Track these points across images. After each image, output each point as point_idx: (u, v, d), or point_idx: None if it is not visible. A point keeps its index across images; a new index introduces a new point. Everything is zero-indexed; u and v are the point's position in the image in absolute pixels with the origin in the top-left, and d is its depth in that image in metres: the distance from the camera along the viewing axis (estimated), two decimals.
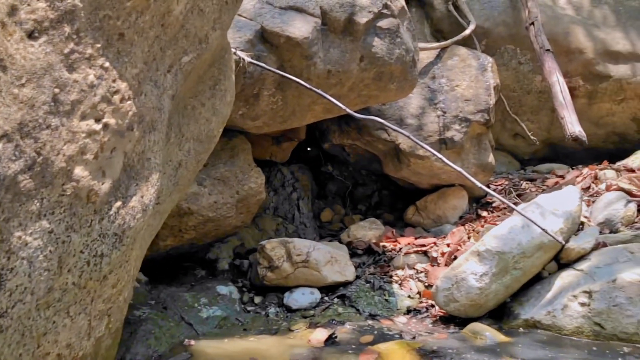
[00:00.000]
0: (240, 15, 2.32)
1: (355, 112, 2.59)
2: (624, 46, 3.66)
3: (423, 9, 3.87)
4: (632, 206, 2.51)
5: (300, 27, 2.29)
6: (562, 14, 3.77)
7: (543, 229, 1.89)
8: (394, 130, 1.94)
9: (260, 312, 2.26)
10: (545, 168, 3.68)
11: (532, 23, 3.34)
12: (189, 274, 2.46)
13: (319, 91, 2.00)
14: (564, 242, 2.03)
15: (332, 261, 2.41)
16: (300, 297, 2.32)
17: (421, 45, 3.31)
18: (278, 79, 2.24)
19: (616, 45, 3.66)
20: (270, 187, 3.09)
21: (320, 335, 1.99)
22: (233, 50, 2.02)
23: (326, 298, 2.36)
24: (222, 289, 2.30)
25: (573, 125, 2.71)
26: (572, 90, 3.74)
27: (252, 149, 2.63)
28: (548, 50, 3.15)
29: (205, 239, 2.45)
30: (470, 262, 2.16)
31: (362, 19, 2.36)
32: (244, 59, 2.04)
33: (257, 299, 2.37)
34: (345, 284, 2.43)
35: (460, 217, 3.13)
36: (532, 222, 1.89)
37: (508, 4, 3.73)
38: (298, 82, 2.01)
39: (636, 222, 2.46)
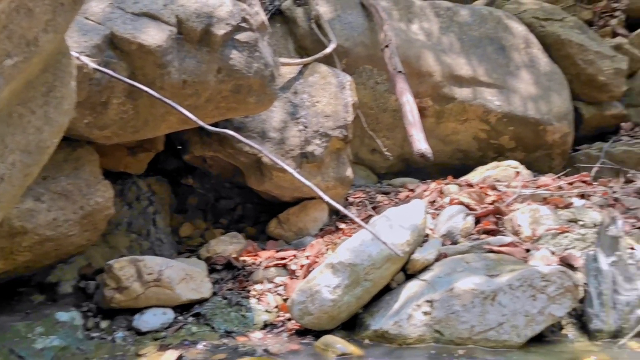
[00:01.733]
0: (87, 18, 2.17)
1: (214, 124, 2.53)
2: (466, 71, 4.02)
3: (287, 25, 3.93)
4: (470, 219, 2.75)
5: (154, 35, 2.20)
6: (414, 38, 4.04)
7: (383, 242, 1.99)
8: (246, 143, 1.93)
9: (106, 338, 2.11)
10: (399, 182, 3.90)
11: (387, 46, 3.55)
12: (24, 300, 2.22)
13: (168, 101, 1.93)
14: (401, 255, 2.15)
15: (187, 278, 2.32)
16: (152, 319, 2.21)
17: (284, 60, 3.36)
18: (129, 87, 2.12)
19: (460, 70, 4.01)
20: (124, 200, 2.92)
21: (169, 357, 1.90)
22: (76, 55, 1.87)
23: (180, 317, 2.26)
24: (63, 316, 2.11)
25: (420, 143, 2.90)
26: (422, 110, 4.02)
27: (103, 159, 2.46)
28: (400, 72, 3.36)
29: (44, 261, 2.23)
30: (324, 274, 2.21)
31: (220, 30, 2.33)
32: (87, 65, 1.90)
33: (104, 324, 2.20)
34: (201, 302, 2.36)
35: (321, 229, 3.20)
36: (375, 235, 1.98)
37: (367, 26, 3.92)
38: (146, 91, 1.92)
39: (473, 234, 2.69)
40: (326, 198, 1.82)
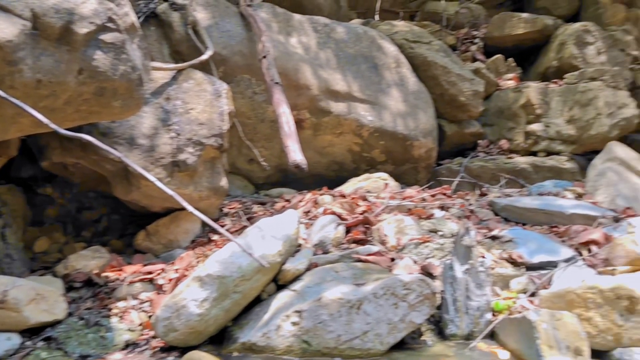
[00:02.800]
0: None
1: (77, 128, 2.35)
2: (342, 87, 4.15)
3: (163, 29, 3.79)
4: (341, 228, 2.82)
5: (4, 29, 1.99)
6: (293, 51, 4.10)
7: (248, 253, 1.97)
8: (104, 149, 1.81)
9: None
10: (277, 192, 3.92)
11: (265, 56, 3.56)
12: None
13: (16, 101, 1.75)
14: (267, 265, 2.15)
15: (37, 299, 2.11)
16: None
17: (156, 64, 3.22)
18: None
19: (336, 85, 4.14)
20: None
21: None
22: None
23: (28, 342, 2.05)
24: None
25: (296, 154, 2.93)
26: (300, 122, 4.08)
27: None
28: (277, 83, 3.39)
29: None
30: (191, 288, 2.13)
31: (82, 29, 2.17)
32: None
33: None
34: (55, 324, 2.16)
35: (193, 241, 3.10)
36: (240, 246, 1.96)
37: (245, 35, 3.90)
38: None
39: (344, 243, 2.77)
40: (190, 208, 1.76)
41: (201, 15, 3.84)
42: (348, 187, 3.78)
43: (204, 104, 3.19)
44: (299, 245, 2.64)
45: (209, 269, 2.15)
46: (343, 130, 4.17)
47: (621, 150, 3.60)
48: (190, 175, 3.06)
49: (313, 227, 2.88)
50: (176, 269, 2.69)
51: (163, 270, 2.71)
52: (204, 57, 3.46)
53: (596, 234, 2.71)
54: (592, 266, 2.52)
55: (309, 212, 3.19)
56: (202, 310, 2.09)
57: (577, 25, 5.28)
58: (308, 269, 2.45)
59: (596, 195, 3.38)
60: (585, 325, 2.13)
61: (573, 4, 5.95)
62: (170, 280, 2.59)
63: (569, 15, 5.90)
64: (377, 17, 5.84)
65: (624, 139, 4.62)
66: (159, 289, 2.57)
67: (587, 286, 2.20)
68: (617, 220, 2.97)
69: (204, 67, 3.49)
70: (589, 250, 2.64)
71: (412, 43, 4.86)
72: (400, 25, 5.17)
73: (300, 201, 3.38)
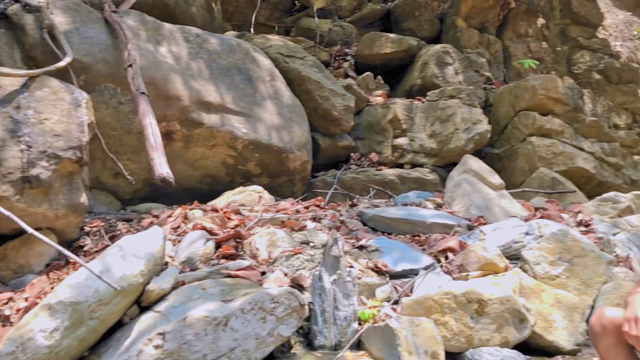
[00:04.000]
0: None
1: None
2: (215, 98, 4.08)
3: (14, 32, 3.46)
4: (211, 244, 2.75)
5: None
6: (162, 61, 3.96)
7: (98, 275, 1.84)
8: None
9: None
10: (145, 208, 3.73)
11: (131, 65, 3.39)
12: None
13: None
14: (118, 288, 2.03)
15: None
16: None
17: (5, 70, 2.94)
18: None
19: (209, 96, 4.06)
20: None
21: None
22: None
23: None
24: None
25: (162, 167, 2.82)
26: (170, 133, 3.94)
27: None
28: (143, 93, 3.24)
29: None
30: (39, 317, 1.95)
31: None
32: None
33: None
34: None
35: (47, 265, 2.85)
36: (89, 269, 1.83)
37: (110, 42, 3.69)
38: None
39: (213, 259, 2.70)
40: (30, 230, 1.61)
41: (59, 19, 3.57)
42: (221, 201, 3.71)
43: (60, 114, 2.95)
44: (165, 264, 2.53)
45: (59, 295, 1.97)
46: (216, 143, 4.10)
47: (475, 163, 3.92)
48: (45, 192, 2.82)
49: (181, 243, 2.78)
50: (26, 297, 2.44)
51: (11, 299, 2.45)
52: (62, 63, 3.22)
53: (452, 242, 2.91)
54: (449, 272, 2.69)
55: (177, 227, 3.08)
56: (51, 342, 1.91)
57: (437, 47, 5.70)
58: (174, 288, 2.35)
59: (453, 205, 3.65)
60: (441, 329, 2.27)
61: (435, 27, 6.41)
62: (19, 310, 2.35)
63: (432, 37, 6.35)
64: (252, 30, 5.85)
65: (478, 152, 5.05)
66: (6, 320, 2.31)
67: (443, 292, 2.35)
68: (470, 228, 3.21)
69: (62, 75, 3.24)
70: (446, 258, 2.82)
71: (287, 57, 4.93)
72: (275, 39, 5.22)
73: (169, 217, 3.26)
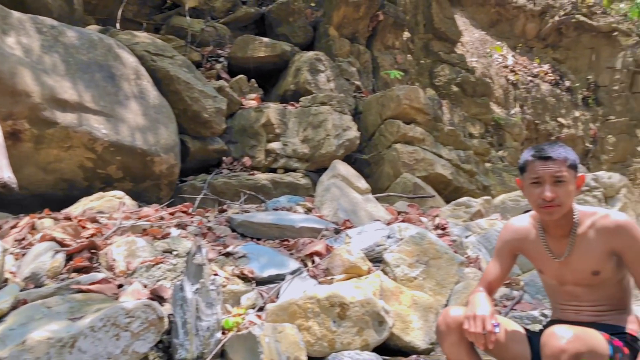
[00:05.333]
0: None
1: None
2: (71, 96, 3.77)
3: None
4: (60, 256, 2.51)
5: None
6: (9, 52, 3.57)
7: None
8: None
9: None
10: None
11: None
12: None
13: None
14: None
15: None
16: None
17: None
18: None
19: (64, 93, 3.74)
20: None
21: None
22: None
23: None
24: None
25: (2, 171, 2.53)
26: (17, 133, 3.57)
27: None
28: None
29: None
30: None
31: None
32: None
33: None
34: None
35: None
36: None
37: None
38: None
39: (62, 273, 2.47)
40: None
41: None
42: (77, 208, 3.43)
43: None
44: (5, 281, 2.27)
45: None
46: (73, 144, 3.78)
47: (343, 168, 4.03)
48: None
49: (25, 257, 2.51)
50: None
51: None
52: None
53: (319, 246, 2.95)
54: (315, 276, 2.72)
55: (23, 239, 2.78)
56: None
57: (310, 54, 5.80)
58: (14, 307, 2.11)
59: (322, 209, 3.71)
60: (305, 334, 2.27)
61: (308, 34, 6.52)
62: None
63: (305, 43, 6.45)
64: (118, 25, 5.51)
65: (349, 158, 5.21)
66: None
67: (307, 296, 2.36)
68: (337, 232, 3.29)
69: None
70: (313, 262, 2.85)
71: (154, 56, 4.70)
72: (143, 36, 4.96)
73: (13, 227, 2.93)
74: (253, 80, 5.75)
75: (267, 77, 6.01)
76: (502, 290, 3.06)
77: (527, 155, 1.70)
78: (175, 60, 4.83)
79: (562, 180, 1.63)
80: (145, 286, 2.47)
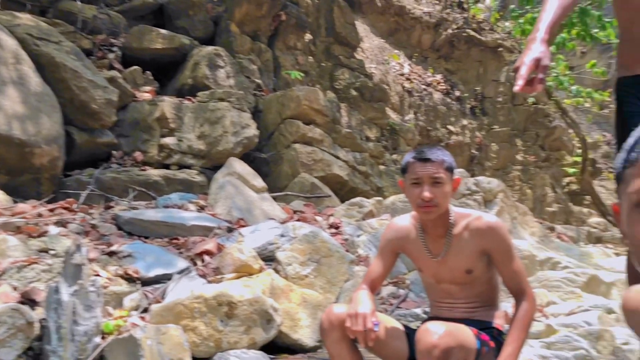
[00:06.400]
0: None
1: None
2: None
3: None
4: None
5: None
6: None
7: None
8: None
9: None
10: None
11: None
12: None
13: None
14: None
15: None
16: None
17: None
18: None
19: None
20: None
21: None
22: None
23: None
24: None
25: None
26: None
27: None
28: None
29: None
30: None
31: None
32: None
33: None
34: None
35: None
36: None
37: None
38: None
39: None
40: None
41: None
42: None
43: None
44: None
45: None
46: None
47: (239, 166, 3.98)
48: None
49: None
50: None
51: None
52: None
53: (210, 244, 2.89)
54: (204, 276, 2.66)
55: None
56: None
57: (210, 49, 5.67)
58: None
59: (216, 207, 3.64)
60: (190, 335, 2.21)
61: (209, 29, 6.36)
62: None
63: (205, 38, 6.28)
64: None
65: (247, 156, 5.16)
66: None
67: (194, 296, 2.30)
68: (230, 230, 3.24)
69: None
70: (203, 261, 2.79)
71: (38, 40, 4.35)
72: (25, 18, 4.57)
73: None
74: (148, 72, 5.51)
75: (164, 70, 5.78)
76: (389, 289, 3.19)
77: (408, 157, 1.78)
78: (62, 47, 4.50)
79: (440, 181, 1.72)
80: (15, 288, 2.28)
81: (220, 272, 2.71)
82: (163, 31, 5.69)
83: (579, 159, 10.16)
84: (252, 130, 5.19)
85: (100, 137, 4.61)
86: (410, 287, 3.23)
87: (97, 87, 4.50)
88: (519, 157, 10.00)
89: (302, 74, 6.48)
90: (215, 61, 5.60)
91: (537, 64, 1.57)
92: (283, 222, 3.40)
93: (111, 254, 2.70)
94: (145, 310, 2.37)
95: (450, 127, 9.47)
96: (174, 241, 3.03)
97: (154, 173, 4.55)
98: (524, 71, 1.56)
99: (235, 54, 6.10)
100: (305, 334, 2.47)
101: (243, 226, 3.34)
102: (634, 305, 0.92)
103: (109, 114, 4.57)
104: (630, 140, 0.76)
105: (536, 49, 1.60)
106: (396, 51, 9.86)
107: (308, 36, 7.28)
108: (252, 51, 6.39)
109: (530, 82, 1.57)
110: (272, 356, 2.29)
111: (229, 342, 2.24)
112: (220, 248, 2.89)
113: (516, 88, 1.55)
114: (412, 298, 3.13)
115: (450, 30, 10.22)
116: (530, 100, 10.02)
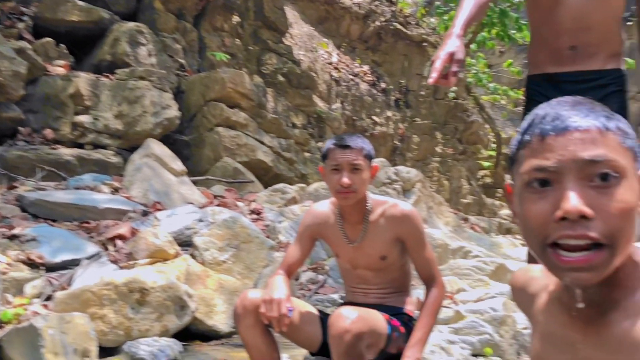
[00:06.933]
0: None
1: None
2: None
3: None
4: None
5: None
6: None
7: None
8: None
9: None
10: None
11: None
12: None
13: None
14: None
15: None
16: None
17: None
18: None
19: None
20: None
21: None
22: None
23: None
24: None
25: None
26: None
27: None
28: None
29: None
30: None
31: None
32: None
33: None
34: None
35: None
36: None
37: None
38: None
39: None
40: None
41: None
42: None
43: None
44: None
45: None
46: None
47: (158, 147, 3.84)
48: None
49: None
50: None
51: None
52: None
53: (123, 229, 2.77)
54: (115, 261, 2.55)
55: None
56: None
57: (131, 25, 5.40)
58: None
59: (131, 190, 3.49)
60: (99, 323, 2.11)
61: (131, 4, 6.05)
62: None
63: (127, 13, 5.97)
64: None
65: (167, 138, 4.98)
66: None
67: (103, 282, 2.19)
68: (146, 214, 3.12)
69: None
70: (115, 245, 2.67)
71: None
72: None
73: None
74: (63, 45, 5.16)
75: (81, 44, 5.44)
76: (308, 275, 3.20)
77: (329, 144, 1.78)
78: None
79: (359, 168, 1.73)
80: None
81: (134, 257, 2.60)
82: (80, 3, 5.34)
83: (493, 153, 10.71)
84: (174, 112, 5.02)
85: (5, 112, 4.27)
86: (329, 273, 3.26)
87: (3, 57, 4.17)
88: (438, 149, 10.37)
89: (228, 56, 6.33)
90: (137, 38, 5.35)
91: (452, 58, 1.62)
92: (202, 207, 3.33)
93: (13, 237, 2.52)
94: (49, 298, 2.23)
95: (375, 118, 9.64)
96: (85, 225, 2.88)
97: (66, 152, 4.30)
98: (438, 64, 1.60)
99: (159, 31, 5.86)
100: (220, 320, 2.43)
101: (159, 210, 3.22)
102: (519, 283, 0.98)
103: (15, 88, 4.25)
104: (524, 124, 0.80)
105: (451, 43, 1.65)
106: (325, 40, 9.88)
107: (236, 18, 7.12)
108: (176, 30, 6.16)
109: (445, 75, 1.62)
110: (185, 343, 2.23)
111: (139, 330, 2.16)
112: (134, 232, 2.78)
113: (430, 80, 1.60)
114: (331, 284, 3.16)
115: (378, 23, 10.37)
116: (451, 95, 10.40)
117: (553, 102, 0.80)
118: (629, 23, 2.32)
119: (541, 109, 0.79)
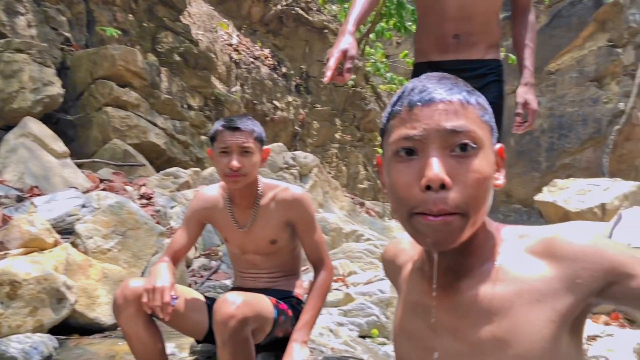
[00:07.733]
0: None
1: None
2: None
3: None
4: None
5: None
6: None
7: None
8: None
9: None
10: None
11: None
12: None
13: None
14: None
15: None
16: None
17: None
18: None
19: None
20: None
21: None
22: None
23: None
24: None
25: None
26: None
27: None
28: None
29: None
30: None
31: None
32: None
33: None
34: None
35: None
36: None
37: None
38: None
39: None
40: None
41: None
42: None
43: None
44: None
45: None
46: None
47: (36, 127, 3.53)
48: None
49: None
50: None
51: None
52: None
53: None
54: None
55: None
56: None
57: None
58: None
59: (5, 173, 3.19)
60: None
61: None
62: None
63: None
64: None
65: (49, 117, 4.61)
66: None
67: None
68: (21, 199, 2.87)
69: None
70: None
71: None
72: None
73: None
74: None
75: None
76: (200, 261, 3.13)
77: (217, 125, 1.73)
78: None
79: (249, 151, 1.70)
80: None
81: (5, 247, 2.39)
82: None
83: None
84: (57, 89, 4.65)
85: None
86: (222, 259, 3.21)
87: None
88: (337, 135, 10.56)
89: (119, 32, 5.97)
90: (14, 7, 4.88)
91: (345, 55, 1.64)
92: (86, 192, 3.12)
93: None
94: None
95: (276, 103, 9.60)
96: None
97: None
98: (332, 63, 1.61)
99: (41, 1, 5.38)
100: (103, 312, 2.30)
101: (37, 195, 2.98)
102: (389, 255, 1.02)
103: None
104: (395, 97, 0.82)
105: (345, 41, 1.67)
106: (225, 20, 9.64)
107: None
108: (61, 0, 5.69)
109: (340, 72, 1.64)
110: (62, 337, 2.09)
111: (10, 326, 1.98)
112: (6, 220, 2.54)
113: (325, 79, 1.61)
114: (224, 270, 3.11)
115: (279, 6, 10.29)
116: (350, 83, 10.61)
117: (422, 77, 0.83)
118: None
119: (411, 83, 0.83)
